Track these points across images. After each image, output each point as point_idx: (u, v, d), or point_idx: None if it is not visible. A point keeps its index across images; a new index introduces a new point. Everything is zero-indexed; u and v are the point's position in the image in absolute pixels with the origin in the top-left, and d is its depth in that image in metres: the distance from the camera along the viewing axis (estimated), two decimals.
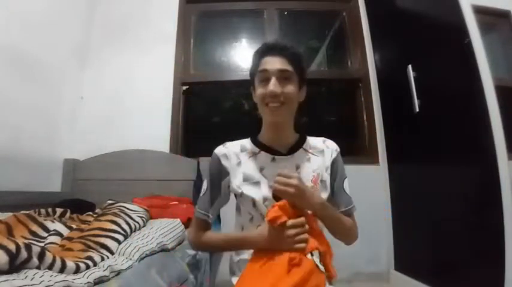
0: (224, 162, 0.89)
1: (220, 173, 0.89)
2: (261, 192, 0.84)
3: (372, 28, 2.31)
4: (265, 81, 0.83)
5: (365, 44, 2.32)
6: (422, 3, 1.74)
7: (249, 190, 0.84)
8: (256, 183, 0.85)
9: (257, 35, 2.58)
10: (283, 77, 0.82)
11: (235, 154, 0.90)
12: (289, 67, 0.83)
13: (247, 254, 0.82)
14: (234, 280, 0.85)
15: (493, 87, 1.23)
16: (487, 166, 1.22)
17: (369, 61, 2.28)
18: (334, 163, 0.90)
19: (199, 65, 2.49)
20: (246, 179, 0.86)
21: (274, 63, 0.83)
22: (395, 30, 2.00)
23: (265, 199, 0.83)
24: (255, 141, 0.91)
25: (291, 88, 0.83)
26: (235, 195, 0.89)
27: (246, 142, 0.92)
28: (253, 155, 0.89)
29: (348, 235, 0.88)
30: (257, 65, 0.87)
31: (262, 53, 0.87)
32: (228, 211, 0.96)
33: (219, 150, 0.91)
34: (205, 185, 0.91)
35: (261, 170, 0.87)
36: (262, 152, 0.88)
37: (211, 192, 0.89)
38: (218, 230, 1.74)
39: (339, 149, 0.92)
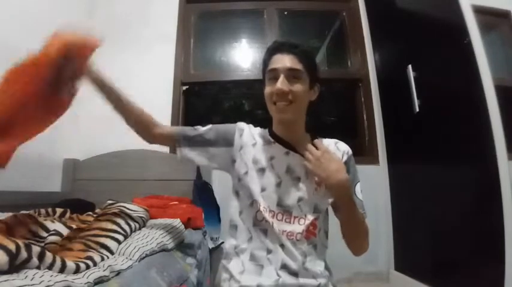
0: (236, 136, 0.90)
1: (226, 138, 0.90)
2: (261, 181, 0.84)
3: (372, 28, 2.31)
4: (274, 79, 0.82)
5: (365, 44, 2.32)
6: (422, 3, 1.74)
7: (251, 177, 0.84)
8: (262, 169, 0.85)
9: (257, 35, 2.58)
10: (292, 75, 0.81)
11: (253, 135, 0.91)
12: (299, 65, 0.81)
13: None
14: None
15: (493, 87, 1.23)
16: (487, 166, 1.22)
17: (369, 61, 2.28)
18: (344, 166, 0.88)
19: (199, 65, 2.49)
20: (255, 162, 0.86)
21: (283, 61, 0.82)
22: (395, 30, 2.00)
23: (262, 189, 0.83)
24: (271, 133, 0.91)
25: (299, 87, 0.81)
26: (238, 178, 0.88)
27: (264, 131, 0.93)
28: (268, 143, 0.89)
29: (362, 242, 0.88)
30: (267, 63, 0.86)
31: (272, 50, 0.86)
32: (227, 210, 0.96)
33: (241, 125, 0.93)
34: (206, 127, 0.92)
35: (271, 159, 0.86)
36: (277, 144, 0.88)
37: (206, 136, 0.90)
38: (218, 229, 1.75)
39: (350, 152, 0.90)
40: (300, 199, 0.83)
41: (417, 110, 1.65)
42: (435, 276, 1.53)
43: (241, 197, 0.88)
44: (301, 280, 0.79)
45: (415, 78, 1.68)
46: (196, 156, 0.91)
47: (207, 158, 0.91)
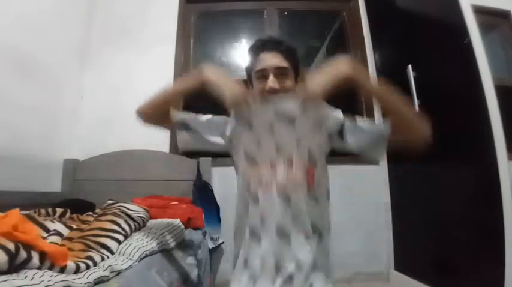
0: (228, 126, 0.93)
1: (221, 130, 0.93)
2: (251, 139, 0.86)
3: (372, 28, 2.30)
4: (263, 77, 0.86)
5: (365, 44, 2.32)
6: (422, 3, 1.73)
7: (242, 145, 0.87)
8: (249, 125, 0.87)
9: (257, 35, 2.58)
10: (280, 73, 0.84)
11: None
12: (285, 63, 0.85)
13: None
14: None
15: (493, 87, 1.23)
16: (487, 166, 1.22)
17: (369, 61, 2.28)
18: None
19: (199, 65, 2.49)
20: (242, 126, 0.88)
21: (271, 59, 0.85)
22: (395, 30, 2.00)
23: (247, 152, 0.86)
24: None
25: (288, 83, 0.85)
26: (232, 156, 0.92)
27: None
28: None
29: (416, 122, 0.77)
30: (254, 63, 0.89)
31: (257, 49, 0.89)
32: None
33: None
34: (206, 118, 0.96)
35: (255, 112, 0.86)
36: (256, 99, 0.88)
37: (204, 127, 0.94)
38: (218, 229, 1.75)
39: (342, 117, 0.89)
40: (298, 141, 0.83)
41: (417, 110, 1.65)
42: (435, 276, 1.53)
43: (238, 171, 0.91)
44: (294, 244, 0.79)
45: (415, 78, 1.67)
46: (193, 140, 0.95)
47: (202, 143, 0.95)
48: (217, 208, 1.80)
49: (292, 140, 0.82)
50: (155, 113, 0.92)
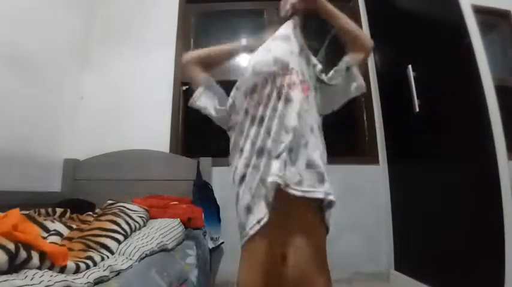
0: None
1: None
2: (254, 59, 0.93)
3: (372, 28, 2.30)
4: None
5: None
6: (422, 4, 1.73)
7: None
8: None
9: (257, 35, 2.58)
10: None
11: None
12: None
13: None
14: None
15: (493, 87, 1.23)
16: (487, 166, 1.22)
17: (369, 61, 2.28)
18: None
19: None
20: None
21: None
22: (395, 30, 2.00)
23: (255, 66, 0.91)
24: None
25: None
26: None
27: None
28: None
29: (362, 34, 1.02)
30: None
31: None
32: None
33: None
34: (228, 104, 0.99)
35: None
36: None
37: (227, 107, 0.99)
38: (218, 229, 1.75)
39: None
40: (292, 52, 0.90)
41: (417, 110, 1.64)
42: (435, 276, 1.53)
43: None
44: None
45: (415, 78, 1.67)
46: (209, 100, 1.06)
47: (215, 106, 1.03)
48: (217, 208, 1.80)
49: (287, 52, 0.89)
50: (204, 59, 1.03)
